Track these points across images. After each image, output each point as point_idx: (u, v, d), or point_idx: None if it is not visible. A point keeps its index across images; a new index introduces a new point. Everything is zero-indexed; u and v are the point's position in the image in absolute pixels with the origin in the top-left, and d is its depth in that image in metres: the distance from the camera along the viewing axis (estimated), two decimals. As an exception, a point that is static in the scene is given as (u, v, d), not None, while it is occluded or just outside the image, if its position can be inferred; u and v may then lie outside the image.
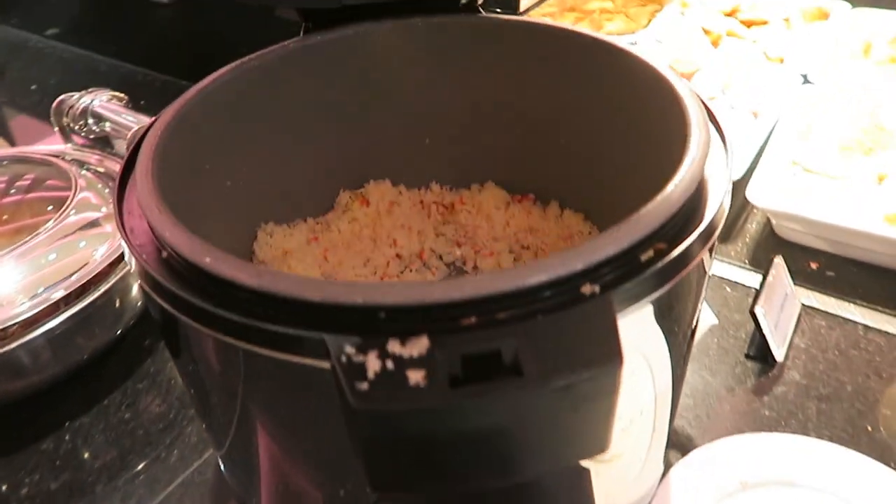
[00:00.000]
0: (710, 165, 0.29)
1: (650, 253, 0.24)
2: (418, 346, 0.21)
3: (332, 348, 0.22)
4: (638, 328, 0.26)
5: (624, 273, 0.24)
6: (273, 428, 0.30)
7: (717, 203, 0.27)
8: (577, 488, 0.27)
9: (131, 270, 0.27)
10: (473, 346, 0.21)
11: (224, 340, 0.24)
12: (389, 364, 0.21)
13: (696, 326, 0.33)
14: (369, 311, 0.22)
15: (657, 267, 0.24)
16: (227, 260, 0.24)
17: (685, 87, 0.33)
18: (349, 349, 0.21)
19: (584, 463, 0.26)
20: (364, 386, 0.20)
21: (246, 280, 0.23)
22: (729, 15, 0.89)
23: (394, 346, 0.21)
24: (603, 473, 0.33)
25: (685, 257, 0.25)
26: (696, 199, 0.27)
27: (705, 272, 0.29)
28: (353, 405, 0.20)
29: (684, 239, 0.25)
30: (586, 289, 0.23)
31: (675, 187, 0.26)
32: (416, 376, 0.20)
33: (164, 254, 0.26)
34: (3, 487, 0.46)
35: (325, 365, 0.22)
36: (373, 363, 0.21)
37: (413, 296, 0.22)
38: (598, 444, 0.22)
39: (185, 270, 0.25)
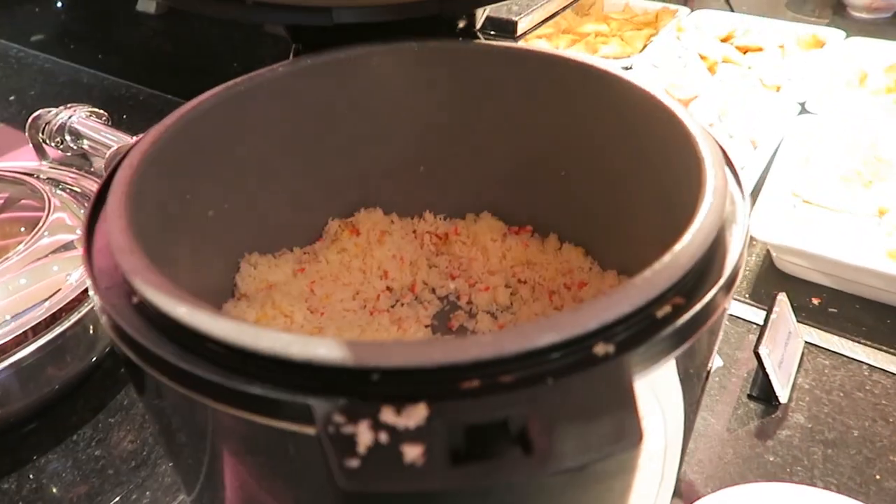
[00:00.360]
0: (727, 212, 0.27)
1: (667, 309, 0.22)
2: (415, 415, 0.19)
3: (319, 415, 0.19)
4: (654, 382, 0.24)
5: (640, 331, 0.22)
6: (248, 484, 0.28)
7: (737, 251, 0.25)
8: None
9: (98, 314, 0.25)
10: (477, 416, 0.19)
11: (196, 399, 0.22)
12: (383, 437, 0.18)
13: (710, 370, 0.31)
14: (361, 374, 0.20)
15: (676, 325, 0.22)
16: (203, 312, 0.21)
17: (695, 123, 0.31)
18: (338, 417, 0.19)
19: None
20: (354, 463, 0.18)
21: (223, 334, 0.21)
22: (724, 41, 0.89)
23: (388, 416, 0.19)
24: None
25: (706, 311, 0.23)
26: (714, 248, 0.25)
27: (725, 313, 0.27)
28: (341, 486, 0.18)
29: (705, 292, 0.23)
30: (599, 349, 0.21)
31: (693, 237, 0.24)
32: (412, 452, 0.18)
33: (135, 299, 0.24)
34: (-40, 529, 0.43)
35: (310, 431, 0.20)
36: (364, 435, 0.19)
37: (410, 357, 0.20)
38: (611, 523, 0.20)
39: (157, 319, 0.23)
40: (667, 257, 0.23)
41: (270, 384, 0.21)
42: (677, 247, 0.23)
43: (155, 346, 0.22)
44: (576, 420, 0.19)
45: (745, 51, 0.87)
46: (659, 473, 0.32)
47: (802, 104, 0.72)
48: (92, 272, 0.25)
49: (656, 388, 0.25)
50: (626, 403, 0.19)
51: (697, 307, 0.23)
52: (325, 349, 0.20)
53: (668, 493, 0.34)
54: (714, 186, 0.26)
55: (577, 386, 0.20)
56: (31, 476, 0.45)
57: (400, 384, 0.20)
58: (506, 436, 0.19)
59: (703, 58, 0.84)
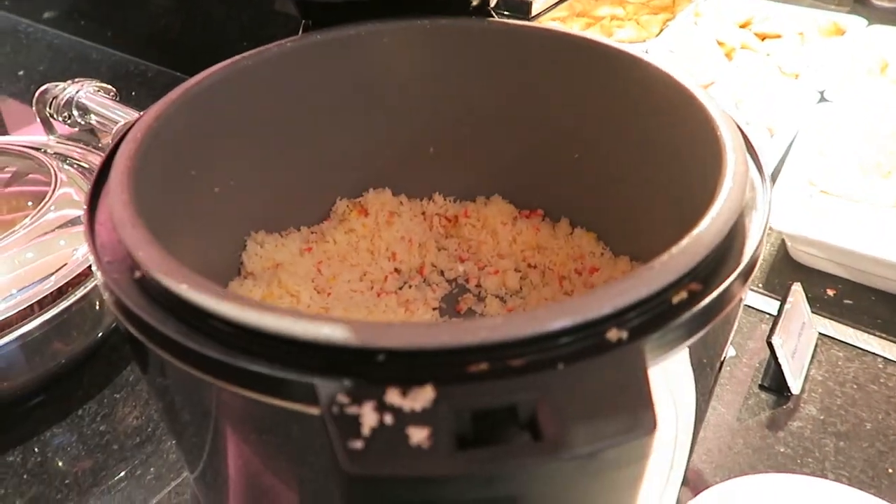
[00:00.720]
0: (747, 198, 0.26)
1: (684, 295, 0.22)
2: (422, 397, 0.18)
3: (323, 395, 0.19)
4: (667, 371, 0.24)
5: (654, 317, 0.21)
6: (251, 464, 0.27)
7: (756, 238, 0.24)
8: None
9: (100, 289, 0.24)
10: (485, 400, 0.18)
11: (199, 377, 0.21)
12: (388, 418, 0.18)
13: (724, 361, 0.30)
14: (366, 354, 0.19)
15: (692, 312, 0.21)
16: (206, 287, 0.21)
17: (716, 107, 0.30)
18: (342, 398, 0.19)
19: None
20: (358, 444, 0.18)
21: (227, 312, 0.20)
22: (743, 27, 0.87)
23: (393, 397, 0.18)
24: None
25: (723, 299, 0.22)
26: (733, 234, 0.24)
27: (740, 305, 0.26)
28: (344, 468, 0.17)
29: (722, 279, 0.22)
30: (612, 334, 0.20)
31: (712, 222, 0.23)
32: (418, 435, 0.18)
33: (138, 274, 0.23)
34: (-34, 501, 0.43)
35: (314, 411, 0.20)
36: (369, 416, 0.18)
37: (417, 338, 0.19)
38: (620, 512, 0.20)
39: (159, 295, 0.22)
40: (684, 242, 0.22)
41: (274, 363, 0.20)
42: (695, 231, 0.23)
43: (157, 322, 0.22)
44: (587, 407, 0.18)
45: (763, 37, 0.85)
46: (668, 463, 0.31)
47: (821, 92, 0.71)
48: (94, 246, 0.25)
49: (669, 378, 0.25)
50: (639, 391, 0.19)
51: (714, 294, 0.22)
52: (330, 329, 0.20)
53: (676, 482, 0.34)
54: (734, 171, 0.26)
55: (588, 372, 0.19)
56: (35, 449, 0.45)
57: (406, 366, 0.20)
58: (514, 421, 0.18)
59: (720, 44, 0.82)
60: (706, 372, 0.28)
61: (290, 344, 0.20)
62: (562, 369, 0.19)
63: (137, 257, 0.23)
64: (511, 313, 0.20)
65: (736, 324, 0.28)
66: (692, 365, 0.25)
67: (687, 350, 0.23)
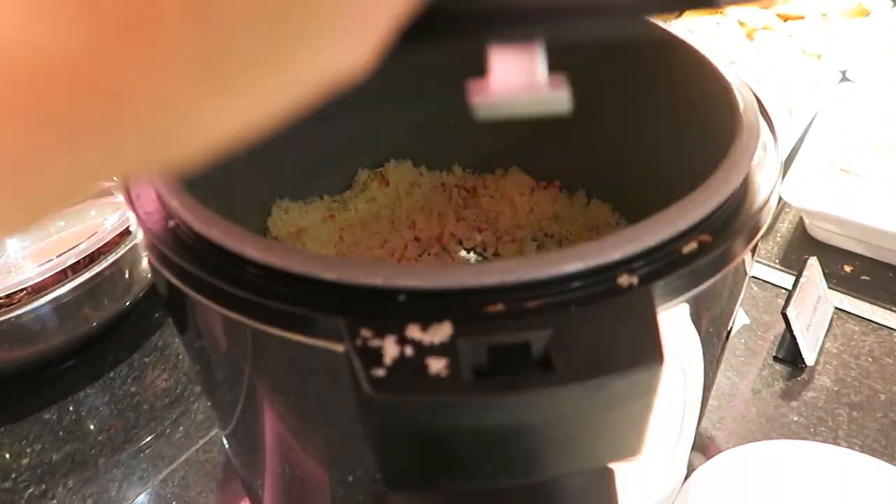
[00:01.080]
0: (758, 157, 0.26)
1: (693, 245, 0.22)
2: (440, 332, 0.19)
3: (347, 331, 0.20)
4: (673, 326, 0.25)
5: (664, 265, 0.22)
6: (281, 409, 0.29)
7: (764, 197, 0.25)
8: (600, 488, 0.25)
9: (137, 240, 0.26)
10: (500, 337, 0.19)
11: (232, 317, 0.22)
12: (408, 350, 0.19)
13: (731, 329, 0.31)
14: (389, 294, 0.21)
15: (700, 261, 0.22)
16: (236, 233, 0.22)
17: (732, 73, 0.31)
18: (365, 332, 0.20)
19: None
20: (380, 372, 0.19)
21: (255, 255, 0.22)
22: (765, 7, 0.86)
23: (413, 331, 0.19)
24: (625, 473, 0.31)
25: (729, 253, 0.23)
26: (742, 192, 0.25)
27: (745, 273, 0.27)
28: (367, 393, 0.18)
29: (732, 232, 0.23)
30: (623, 280, 0.21)
31: (723, 177, 0.24)
32: (436, 365, 0.19)
33: (172, 223, 0.24)
34: (6, 455, 0.45)
35: (339, 348, 0.21)
36: (390, 348, 0.19)
37: (437, 279, 0.20)
38: (630, 448, 0.21)
39: (193, 242, 0.23)
40: (694, 195, 0.23)
41: (301, 302, 0.21)
42: (706, 185, 0.23)
43: (191, 266, 0.23)
44: (597, 343, 0.19)
45: (785, 19, 0.84)
46: (678, 425, 0.32)
47: (843, 72, 0.70)
48: (131, 200, 0.26)
49: (675, 339, 0.26)
50: (648, 330, 0.20)
51: (723, 246, 0.23)
52: (354, 270, 0.21)
53: (686, 445, 0.35)
54: (747, 130, 0.26)
55: (600, 313, 0.20)
56: (70, 409, 0.47)
57: (426, 305, 0.21)
58: (528, 357, 0.19)
59: (741, 24, 0.82)
60: (713, 339, 0.28)
61: (316, 284, 0.21)
62: (574, 311, 0.20)
63: (171, 206, 0.24)
64: (526, 257, 0.21)
65: (744, 289, 0.29)
66: (699, 326, 0.26)
67: (690, 304, 0.23)
